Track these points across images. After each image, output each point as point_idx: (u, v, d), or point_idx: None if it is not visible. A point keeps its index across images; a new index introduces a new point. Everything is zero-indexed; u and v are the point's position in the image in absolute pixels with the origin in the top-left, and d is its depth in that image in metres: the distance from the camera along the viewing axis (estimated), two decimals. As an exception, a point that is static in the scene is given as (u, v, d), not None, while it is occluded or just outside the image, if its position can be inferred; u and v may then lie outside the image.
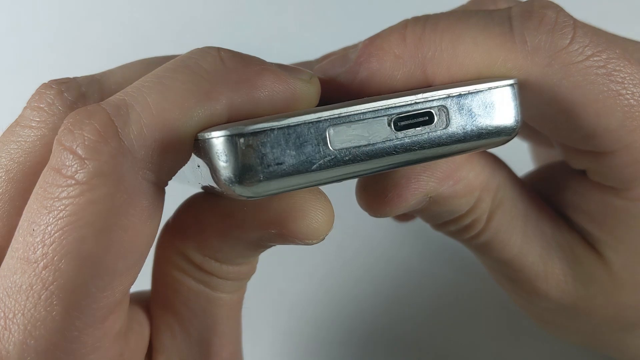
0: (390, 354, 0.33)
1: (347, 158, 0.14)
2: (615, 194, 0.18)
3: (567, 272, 0.19)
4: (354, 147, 0.14)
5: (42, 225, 0.14)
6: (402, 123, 0.15)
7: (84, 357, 0.15)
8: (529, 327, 0.28)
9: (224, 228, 0.17)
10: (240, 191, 0.14)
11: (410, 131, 0.15)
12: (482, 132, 0.15)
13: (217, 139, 0.14)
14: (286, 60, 0.18)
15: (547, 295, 0.19)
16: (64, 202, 0.14)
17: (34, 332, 0.14)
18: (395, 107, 0.15)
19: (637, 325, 0.20)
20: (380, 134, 0.15)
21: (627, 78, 0.16)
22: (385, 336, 0.33)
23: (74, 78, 0.17)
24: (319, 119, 0.14)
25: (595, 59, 0.16)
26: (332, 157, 0.14)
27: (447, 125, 0.15)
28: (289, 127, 0.14)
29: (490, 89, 0.15)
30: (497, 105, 0.15)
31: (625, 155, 0.17)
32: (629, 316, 0.19)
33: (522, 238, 0.19)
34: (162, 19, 0.37)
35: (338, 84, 0.17)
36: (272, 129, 0.14)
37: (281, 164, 0.14)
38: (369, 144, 0.15)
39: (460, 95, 0.15)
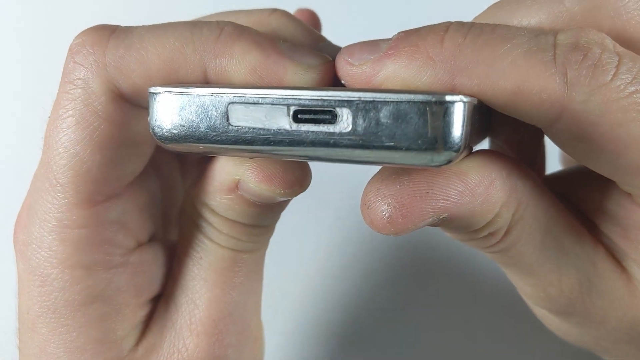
0: (390, 354, 0.33)
1: (240, 136, 0.15)
2: None
3: (584, 282, 0.18)
4: (250, 128, 0.15)
5: (52, 114, 0.18)
6: (303, 116, 0.15)
7: (69, 228, 0.18)
8: (530, 329, 0.28)
9: (208, 173, 0.19)
10: (160, 143, 0.16)
11: (308, 126, 0.15)
12: (394, 147, 0.14)
13: (149, 94, 0.16)
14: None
15: (558, 300, 0.19)
16: (62, 96, 0.18)
17: (38, 198, 0.18)
18: (295, 98, 0.15)
19: None
20: (278, 121, 0.15)
21: None
22: (385, 335, 0.33)
23: None
24: (222, 94, 0.15)
25: (638, 95, 0.15)
26: (229, 132, 0.15)
27: (351, 129, 0.14)
28: (196, 95, 0.15)
29: (414, 102, 0.14)
30: (421, 122, 0.14)
31: None
32: None
33: (540, 250, 0.18)
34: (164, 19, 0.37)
35: (359, 74, 0.16)
36: (181, 94, 0.16)
37: (184, 126, 0.16)
38: (264, 128, 0.15)
39: (374, 102, 0.14)
